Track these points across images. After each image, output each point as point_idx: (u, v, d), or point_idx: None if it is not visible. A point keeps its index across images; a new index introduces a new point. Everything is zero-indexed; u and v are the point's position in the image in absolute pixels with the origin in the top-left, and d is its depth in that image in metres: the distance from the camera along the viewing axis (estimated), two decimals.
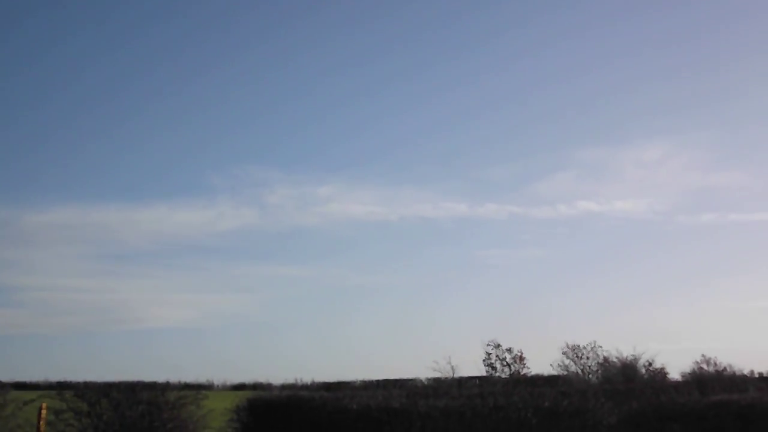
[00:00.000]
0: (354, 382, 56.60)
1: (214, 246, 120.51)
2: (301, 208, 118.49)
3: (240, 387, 62.38)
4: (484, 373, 52.47)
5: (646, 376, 50.00)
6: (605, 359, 51.41)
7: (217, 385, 66.51)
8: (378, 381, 55.00)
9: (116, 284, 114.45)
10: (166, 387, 19.18)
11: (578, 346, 51.84)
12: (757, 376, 67.94)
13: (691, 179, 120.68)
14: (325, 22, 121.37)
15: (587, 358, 51.63)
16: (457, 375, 51.72)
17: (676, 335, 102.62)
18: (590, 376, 51.02)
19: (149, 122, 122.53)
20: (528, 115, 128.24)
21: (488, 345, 52.79)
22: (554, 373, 52.44)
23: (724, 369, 55.76)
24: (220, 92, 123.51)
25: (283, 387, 56.29)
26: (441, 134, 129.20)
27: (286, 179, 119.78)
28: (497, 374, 52.05)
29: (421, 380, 54.61)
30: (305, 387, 54.96)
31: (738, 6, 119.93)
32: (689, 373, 55.02)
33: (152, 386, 19.10)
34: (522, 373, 52.01)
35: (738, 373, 56.58)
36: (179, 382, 58.18)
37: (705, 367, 55.83)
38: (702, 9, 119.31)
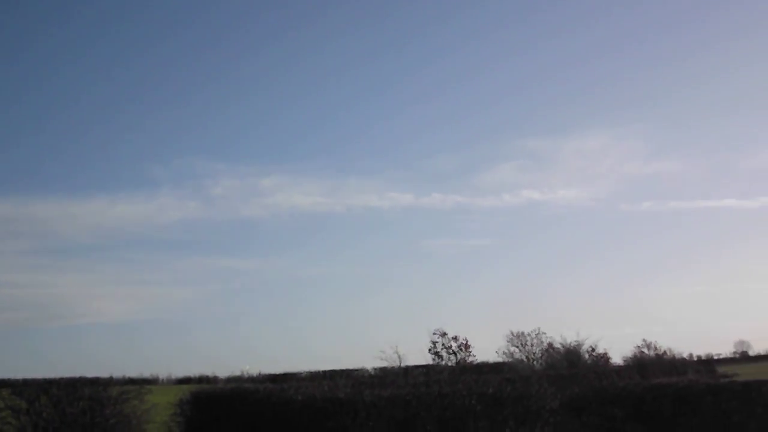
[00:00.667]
0: (300, 373, 56.42)
1: (157, 239, 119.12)
2: (245, 199, 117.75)
3: (185, 381, 61.59)
4: (430, 362, 52.75)
5: (589, 362, 50.79)
6: (549, 345, 52.08)
7: (162, 380, 65.60)
8: (324, 372, 54.94)
9: (55, 279, 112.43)
10: (109, 382, 18.88)
11: (523, 333, 52.41)
12: (695, 359, 69.75)
13: (630, 168, 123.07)
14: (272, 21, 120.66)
15: (532, 344, 52.25)
16: (403, 364, 51.96)
17: (619, 320, 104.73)
18: (535, 362, 51.63)
19: (88, 113, 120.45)
20: (472, 106, 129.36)
21: (434, 333, 53.06)
22: (500, 360, 53.03)
23: (664, 353, 57.06)
24: (161, 84, 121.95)
25: (229, 380, 55.98)
26: (386, 125, 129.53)
27: (230, 171, 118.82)
28: (443, 362, 52.34)
29: (367, 370, 54.72)
30: (251, 379, 54.61)
31: (672, 9, 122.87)
32: (631, 358, 56.19)
33: (94, 382, 18.79)
34: (468, 361, 52.38)
35: (677, 356, 57.96)
36: (123, 377, 57.61)
37: (646, 351, 57.09)
38: (638, 14, 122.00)
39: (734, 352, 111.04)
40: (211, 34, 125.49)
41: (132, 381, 53.20)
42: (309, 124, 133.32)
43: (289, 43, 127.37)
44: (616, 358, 55.80)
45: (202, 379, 60.37)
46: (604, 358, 52.94)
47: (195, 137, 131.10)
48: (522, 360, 51.85)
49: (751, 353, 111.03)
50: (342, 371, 54.38)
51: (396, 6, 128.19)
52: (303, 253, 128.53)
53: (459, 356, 52.38)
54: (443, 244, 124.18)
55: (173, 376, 66.52)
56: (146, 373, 64.53)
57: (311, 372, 55.66)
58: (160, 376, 66.19)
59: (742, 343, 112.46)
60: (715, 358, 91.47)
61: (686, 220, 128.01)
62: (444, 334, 52.93)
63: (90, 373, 47.58)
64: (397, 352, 52.28)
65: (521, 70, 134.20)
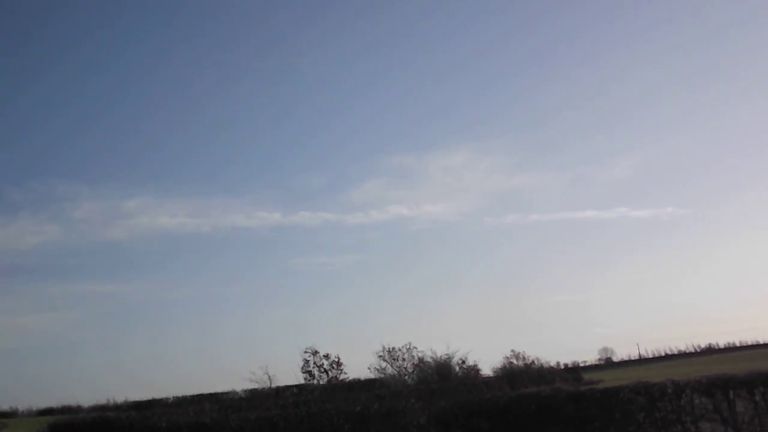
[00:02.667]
0: (167, 399, 54.86)
1: (15, 265, 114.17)
2: (108, 222, 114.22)
3: (47, 411, 59.22)
4: (302, 381, 52.34)
5: (460, 374, 51.51)
6: (420, 360, 52.55)
7: (22, 411, 62.95)
8: (192, 396, 53.68)
9: None
10: None
11: (394, 348, 52.66)
12: (562, 367, 72.18)
13: (494, 182, 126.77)
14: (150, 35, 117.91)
15: (403, 359, 52.56)
16: (275, 384, 51.32)
17: (488, 332, 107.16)
18: (407, 377, 51.93)
19: None
20: (338, 124, 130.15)
21: (306, 352, 52.71)
22: (372, 376, 53.07)
23: (533, 362, 58.60)
24: (16, 104, 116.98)
25: (93, 409, 53.86)
26: (253, 144, 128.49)
27: (91, 193, 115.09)
28: (315, 381, 52.03)
29: (237, 392, 53.80)
30: (117, 407, 52.80)
31: (535, 28, 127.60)
32: (500, 369, 57.43)
33: None
34: (340, 379, 52.25)
35: (545, 365, 59.71)
36: None
37: (515, 361, 58.46)
38: (497, 31, 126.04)
39: (599, 359, 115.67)
40: (71, 52, 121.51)
41: None
42: (174, 144, 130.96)
43: (159, 64, 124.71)
44: (486, 370, 56.98)
45: (64, 410, 58.14)
46: (475, 370, 53.85)
47: (54, 159, 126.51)
48: (394, 375, 52.09)
49: (615, 359, 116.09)
50: (211, 395, 53.31)
51: (261, 27, 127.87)
52: (169, 275, 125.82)
53: (331, 374, 52.23)
54: (313, 261, 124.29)
55: (34, 408, 64.00)
56: (4, 406, 61.83)
57: (178, 397, 54.28)
58: (20, 408, 63.57)
59: (606, 349, 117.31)
60: (582, 365, 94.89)
61: (548, 232, 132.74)
62: (315, 353, 52.74)
63: None
64: (267, 373, 51.65)
65: (386, 87, 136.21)
